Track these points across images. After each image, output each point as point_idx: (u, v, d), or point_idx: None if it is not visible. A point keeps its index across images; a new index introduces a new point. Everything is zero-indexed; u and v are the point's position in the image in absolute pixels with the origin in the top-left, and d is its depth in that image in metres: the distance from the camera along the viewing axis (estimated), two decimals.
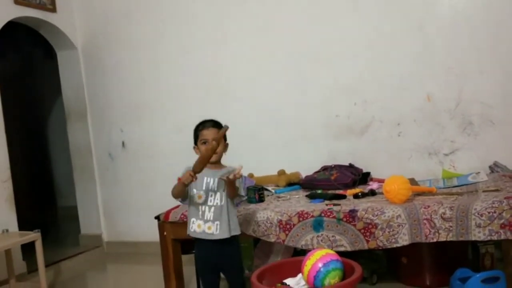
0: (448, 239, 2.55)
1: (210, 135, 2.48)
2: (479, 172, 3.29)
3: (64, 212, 6.28)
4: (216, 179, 2.48)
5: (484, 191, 2.81)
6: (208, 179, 2.50)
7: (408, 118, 3.68)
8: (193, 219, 2.52)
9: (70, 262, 4.43)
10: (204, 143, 2.49)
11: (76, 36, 4.76)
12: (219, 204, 2.49)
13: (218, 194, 2.49)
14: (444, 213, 2.55)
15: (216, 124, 2.54)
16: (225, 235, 2.49)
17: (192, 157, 2.60)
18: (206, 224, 2.49)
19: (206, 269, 2.59)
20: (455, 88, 3.55)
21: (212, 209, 2.49)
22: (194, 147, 2.58)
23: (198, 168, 2.36)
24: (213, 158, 2.47)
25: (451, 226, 2.53)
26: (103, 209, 4.86)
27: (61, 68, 4.91)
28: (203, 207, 2.50)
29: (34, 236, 3.48)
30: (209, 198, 2.49)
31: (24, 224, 4.04)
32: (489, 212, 2.48)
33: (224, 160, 2.57)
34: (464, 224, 2.51)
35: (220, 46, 4.20)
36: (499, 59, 3.47)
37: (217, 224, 2.48)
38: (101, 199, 4.86)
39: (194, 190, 2.50)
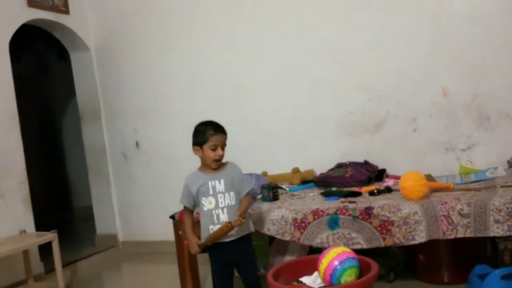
0: (466, 236, 2.51)
1: (221, 142, 2.48)
2: (497, 167, 3.25)
3: (80, 212, 6.35)
4: (222, 180, 2.48)
5: (502, 187, 2.76)
6: (213, 182, 2.50)
7: (424, 113, 3.63)
8: (210, 227, 2.51)
9: (86, 262, 4.46)
10: (214, 149, 2.46)
11: (89, 37, 4.79)
12: (230, 204, 2.49)
13: (227, 194, 2.49)
14: (461, 209, 2.51)
15: (224, 131, 2.53)
16: (243, 232, 2.50)
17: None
18: None
19: (223, 269, 2.58)
20: (471, 82, 3.50)
21: (225, 210, 2.49)
22: (197, 149, 2.51)
23: (210, 243, 2.43)
24: (215, 166, 2.49)
25: (469, 222, 2.49)
26: (118, 209, 4.89)
27: (74, 70, 4.94)
28: (216, 211, 2.50)
29: (51, 236, 3.52)
30: (219, 201, 2.49)
31: (40, 224, 4.08)
32: (507, 208, 2.44)
33: (236, 157, 2.56)
34: (482, 220, 2.47)
35: (231, 45, 4.19)
36: None
37: None
38: (116, 199, 4.89)
39: (203, 199, 2.51)
